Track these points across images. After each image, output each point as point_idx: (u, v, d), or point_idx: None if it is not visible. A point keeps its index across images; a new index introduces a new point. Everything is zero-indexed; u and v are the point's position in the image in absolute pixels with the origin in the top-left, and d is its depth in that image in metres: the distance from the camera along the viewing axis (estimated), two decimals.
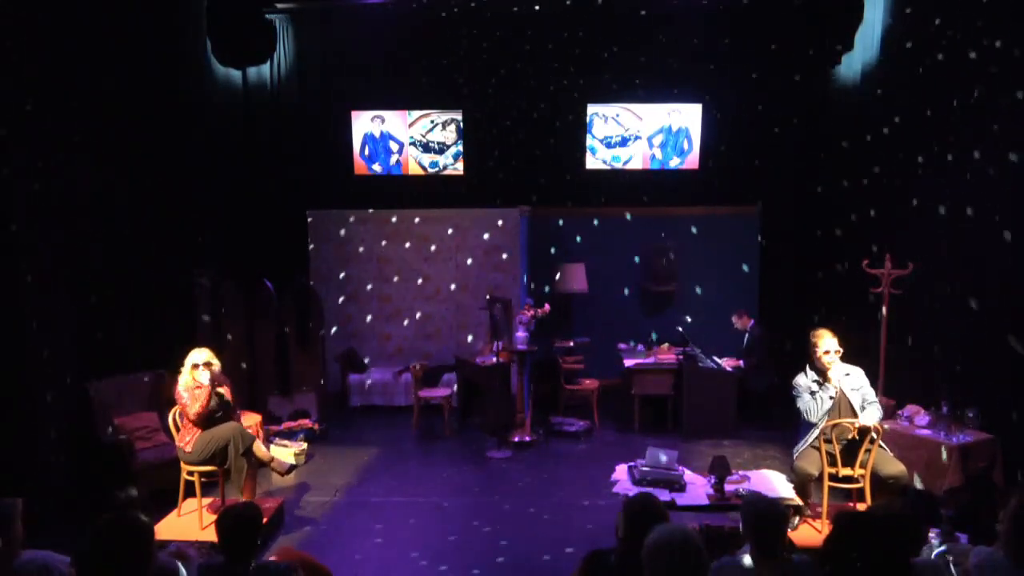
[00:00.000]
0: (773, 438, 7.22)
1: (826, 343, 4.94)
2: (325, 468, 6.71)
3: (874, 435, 4.78)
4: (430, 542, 5.19)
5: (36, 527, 3.38)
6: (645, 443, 6.56)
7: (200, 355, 5.23)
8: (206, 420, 5.15)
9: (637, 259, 9.30)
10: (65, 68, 5.71)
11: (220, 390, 5.29)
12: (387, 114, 9.21)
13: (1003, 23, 5.19)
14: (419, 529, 5.42)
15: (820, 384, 4.94)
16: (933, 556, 3.45)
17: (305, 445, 6.96)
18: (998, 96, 5.24)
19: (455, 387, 8.34)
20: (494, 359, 7.67)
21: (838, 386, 4.90)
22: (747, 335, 8.04)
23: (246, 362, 7.88)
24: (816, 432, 4.94)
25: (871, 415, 4.84)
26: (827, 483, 4.91)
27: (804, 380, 5.04)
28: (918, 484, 5.18)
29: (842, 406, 4.91)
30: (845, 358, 5.06)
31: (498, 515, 5.66)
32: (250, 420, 6.30)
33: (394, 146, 9.28)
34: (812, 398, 4.94)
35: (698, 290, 9.24)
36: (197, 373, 5.18)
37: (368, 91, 9.15)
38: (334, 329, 9.11)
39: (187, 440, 5.16)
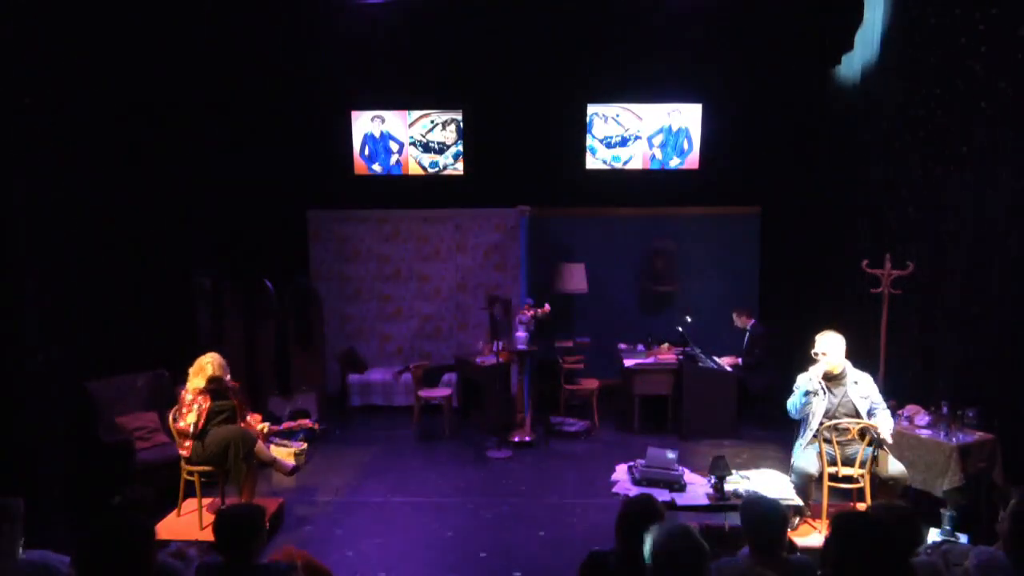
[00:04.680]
0: (773, 438, 7.22)
1: (817, 343, 5.02)
2: (325, 468, 6.71)
3: (875, 435, 4.81)
4: (430, 542, 5.20)
5: (36, 527, 3.39)
6: (645, 443, 6.54)
7: (215, 371, 5.21)
8: (182, 435, 5.15)
9: (637, 259, 9.29)
10: (65, 68, 5.71)
11: (225, 401, 5.30)
12: (387, 114, 9.20)
13: (1004, 23, 5.18)
14: (419, 529, 5.42)
15: (811, 383, 5.02)
16: (929, 550, 3.46)
17: (305, 445, 6.95)
18: (998, 95, 5.24)
19: (455, 387, 8.34)
20: (494, 359, 7.67)
21: (817, 385, 4.97)
22: (747, 334, 8.04)
23: (246, 362, 7.87)
24: (812, 428, 4.97)
25: (885, 422, 4.89)
26: (827, 483, 4.92)
27: (803, 377, 5.11)
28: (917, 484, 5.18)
29: (843, 412, 4.96)
30: (849, 360, 5.07)
31: (498, 515, 5.66)
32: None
33: (394, 146, 9.27)
34: (800, 395, 5.04)
35: (698, 290, 9.24)
36: (208, 387, 5.18)
37: (368, 91, 9.15)
38: (334, 329, 9.11)
39: (187, 445, 5.17)
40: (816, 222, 8.50)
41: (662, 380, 7.74)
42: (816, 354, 5.01)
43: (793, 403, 5.11)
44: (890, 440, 4.87)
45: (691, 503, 5.41)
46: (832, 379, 5.01)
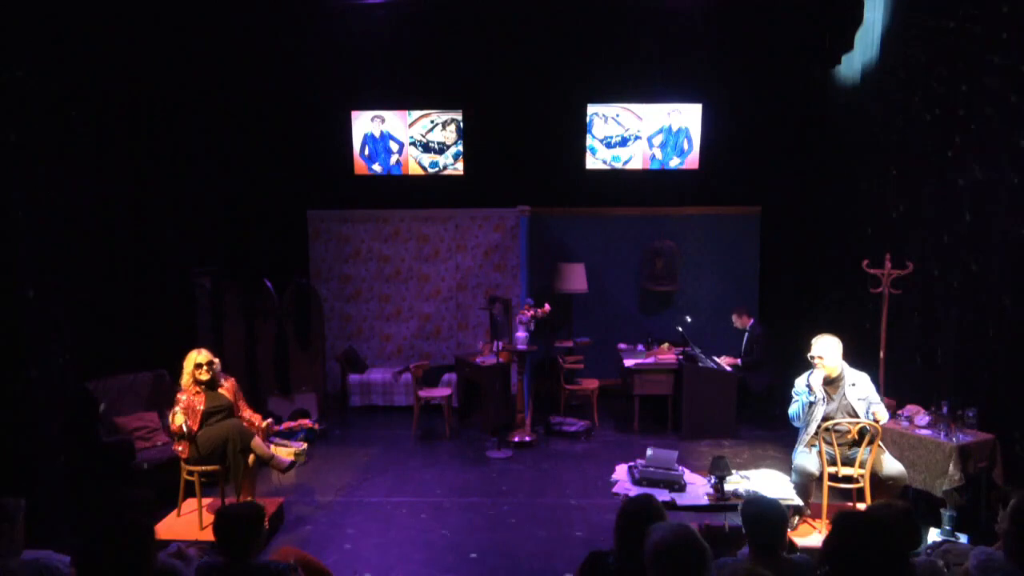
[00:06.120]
0: (773, 438, 7.23)
1: (813, 347, 5.01)
2: (325, 468, 6.71)
3: (873, 435, 4.81)
4: (430, 542, 5.20)
5: (36, 527, 3.39)
6: (645, 443, 6.56)
7: (201, 355, 5.24)
8: (178, 437, 5.14)
9: (637, 259, 9.30)
10: (65, 68, 5.71)
11: (221, 393, 5.29)
12: (387, 114, 9.20)
13: (1003, 24, 5.18)
14: (419, 529, 5.42)
15: (809, 388, 5.00)
16: (929, 551, 3.46)
17: (305, 445, 6.96)
18: (998, 95, 5.24)
19: (455, 387, 8.34)
20: (494, 359, 7.67)
21: (819, 392, 4.95)
22: (747, 334, 8.04)
23: (246, 362, 7.88)
24: (811, 432, 4.97)
25: (881, 414, 4.93)
26: (827, 483, 4.92)
27: (800, 382, 5.11)
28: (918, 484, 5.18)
29: (842, 414, 4.96)
30: (848, 361, 5.07)
31: (498, 515, 5.66)
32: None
33: (394, 146, 9.27)
34: (801, 404, 5.03)
35: (698, 290, 9.25)
36: (200, 373, 5.19)
37: (368, 91, 9.15)
38: (334, 329, 9.12)
39: (183, 447, 5.16)
40: (816, 222, 8.50)
41: (662, 380, 7.74)
42: (812, 358, 4.99)
43: (795, 412, 5.11)
44: (885, 417, 4.93)
45: (691, 503, 5.42)
46: (830, 383, 5.00)
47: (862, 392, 4.99)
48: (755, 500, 3.05)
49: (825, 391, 4.98)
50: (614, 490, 6.07)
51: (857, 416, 4.92)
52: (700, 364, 7.58)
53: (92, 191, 6.04)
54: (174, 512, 5.34)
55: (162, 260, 6.95)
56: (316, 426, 7.52)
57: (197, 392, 5.20)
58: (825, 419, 4.93)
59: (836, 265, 7.79)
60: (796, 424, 5.14)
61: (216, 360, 5.31)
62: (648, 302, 9.35)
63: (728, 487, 5.09)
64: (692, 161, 9.15)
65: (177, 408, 5.10)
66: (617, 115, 9.14)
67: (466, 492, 6.15)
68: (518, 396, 7.50)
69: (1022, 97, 5.00)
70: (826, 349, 4.95)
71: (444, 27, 8.80)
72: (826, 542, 2.54)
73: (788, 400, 5.27)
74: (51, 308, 5.51)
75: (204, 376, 5.20)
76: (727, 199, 9.21)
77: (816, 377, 4.96)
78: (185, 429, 5.03)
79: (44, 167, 5.49)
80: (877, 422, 4.88)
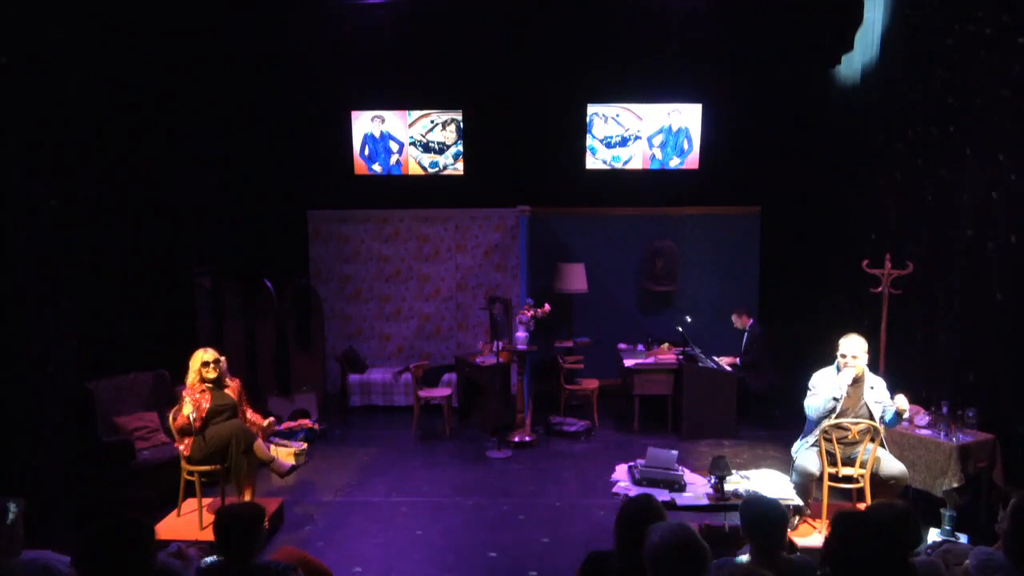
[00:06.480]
0: (773, 438, 7.22)
1: (843, 346, 4.95)
2: (325, 468, 6.71)
3: (875, 434, 4.80)
4: (430, 542, 5.20)
5: (36, 527, 3.39)
6: (645, 443, 6.54)
7: (208, 354, 5.23)
8: (182, 432, 5.13)
9: (637, 259, 9.30)
10: (65, 67, 5.71)
11: (227, 393, 5.28)
12: (387, 114, 9.20)
13: (1004, 24, 5.18)
14: (419, 529, 5.42)
15: (839, 390, 4.95)
16: (929, 551, 3.46)
17: (305, 445, 6.96)
18: (998, 95, 5.24)
19: (455, 387, 8.34)
20: (494, 359, 7.67)
21: (844, 392, 4.90)
22: (746, 334, 8.04)
23: (246, 362, 7.88)
24: (817, 431, 4.96)
25: (902, 403, 4.88)
26: (827, 483, 4.92)
27: (820, 378, 5.06)
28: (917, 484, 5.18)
29: (857, 415, 4.94)
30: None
31: (498, 515, 5.66)
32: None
33: (394, 146, 9.27)
34: (827, 400, 4.95)
35: (698, 290, 9.24)
36: (207, 372, 5.18)
37: (368, 91, 9.15)
38: (334, 329, 9.13)
39: (186, 444, 5.16)
40: (816, 222, 8.50)
41: (662, 380, 7.74)
42: (843, 356, 4.92)
43: (816, 407, 4.97)
44: (906, 408, 4.86)
45: (691, 503, 5.40)
46: (853, 383, 4.95)
47: (879, 396, 4.95)
48: (755, 500, 3.05)
49: (835, 386, 4.96)
50: (614, 490, 6.05)
51: (872, 419, 4.89)
52: (700, 364, 7.57)
53: (92, 191, 6.04)
54: (174, 512, 5.33)
55: (162, 260, 6.95)
56: (316, 426, 7.52)
57: (203, 391, 5.19)
58: (840, 418, 4.91)
59: (836, 265, 7.78)
60: (812, 418, 5.04)
61: (223, 359, 5.31)
62: (648, 302, 9.35)
63: (728, 487, 5.07)
64: (692, 161, 9.15)
65: (186, 398, 5.09)
66: (617, 115, 9.14)
67: (466, 492, 6.15)
68: (518, 396, 7.50)
69: (1022, 97, 5.00)
70: (859, 349, 4.91)
71: (444, 27, 8.79)
72: (826, 542, 2.54)
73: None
74: (51, 308, 5.51)
75: (211, 374, 5.19)
76: (727, 199, 9.21)
77: (846, 376, 4.90)
78: (193, 418, 5.02)
79: (44, 167, 5.50)
80: (902, 412, 4.85)
